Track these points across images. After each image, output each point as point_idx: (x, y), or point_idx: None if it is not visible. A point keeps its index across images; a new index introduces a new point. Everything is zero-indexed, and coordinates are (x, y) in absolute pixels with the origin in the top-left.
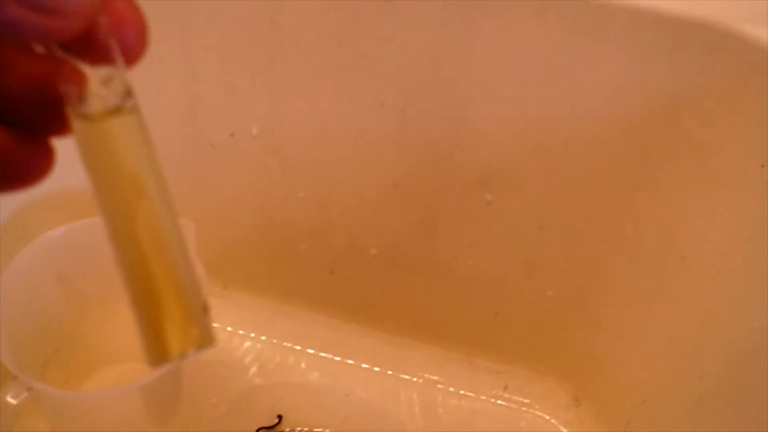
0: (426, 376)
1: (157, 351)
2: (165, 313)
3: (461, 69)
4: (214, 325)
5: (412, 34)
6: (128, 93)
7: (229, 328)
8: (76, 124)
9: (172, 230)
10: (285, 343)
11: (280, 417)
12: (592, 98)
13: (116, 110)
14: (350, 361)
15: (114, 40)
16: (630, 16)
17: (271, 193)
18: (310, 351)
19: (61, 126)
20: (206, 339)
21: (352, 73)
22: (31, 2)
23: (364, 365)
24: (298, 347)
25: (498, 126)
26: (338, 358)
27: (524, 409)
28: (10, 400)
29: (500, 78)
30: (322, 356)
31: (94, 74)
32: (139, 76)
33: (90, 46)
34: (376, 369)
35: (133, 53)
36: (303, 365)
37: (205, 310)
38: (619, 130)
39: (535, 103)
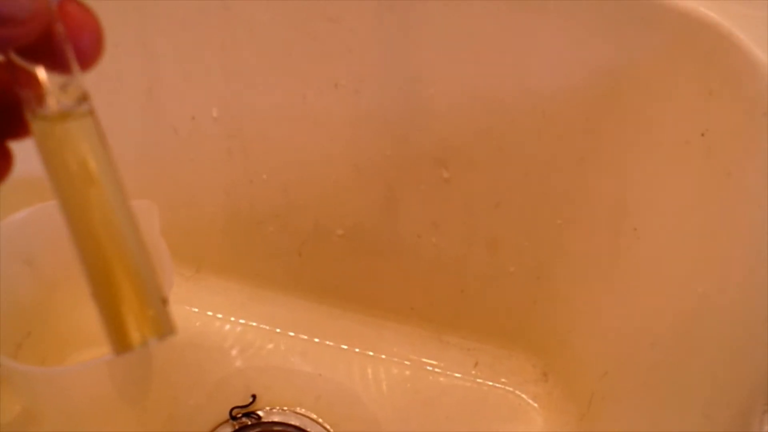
0: (397, 354)
1: (118, 339)
2: (123, 302)
3: (409, 49)
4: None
5: (359, 14)
6: (84, 97)
7: (200, 311)
8: (34, 126)
9: (126, 222)
10: (258, 325)
11: (254, 397)
12: (536, 75)
13: (72, 113)
14: (322, 342)
15: (69, 47)
16: None
17: (235, 176)
18: (282, 332)
19: (18, 130)
20: (165, 327)
21: (305, 55)
22: None
23: (335, 345)
24: (271, 329)
25: (448, 104)
26: (310, 339)
27: (494, 384)
28: None
29: (447, 57)
30: (294, 337)
31: (51, 80)
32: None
33: (46, 51)
34: (348, 348)
35: (89, 58)
36: (276, 346)
37: (163, 300)
38: (564, 106)
39: (482, 81)
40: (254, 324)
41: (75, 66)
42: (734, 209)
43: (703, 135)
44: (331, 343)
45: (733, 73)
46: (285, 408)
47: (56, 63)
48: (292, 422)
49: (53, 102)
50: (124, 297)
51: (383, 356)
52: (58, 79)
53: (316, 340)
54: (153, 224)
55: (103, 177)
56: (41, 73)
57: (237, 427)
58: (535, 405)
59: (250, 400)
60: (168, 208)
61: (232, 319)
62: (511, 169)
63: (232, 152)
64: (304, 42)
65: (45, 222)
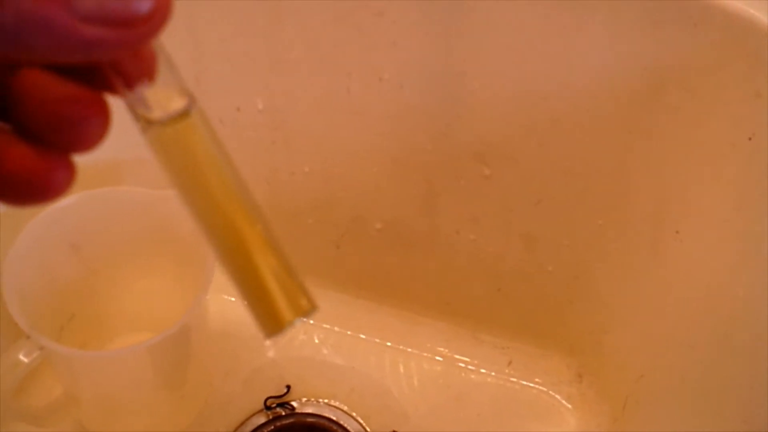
0: (432, 350)
1: (271, 324)
2: (271, 285)
3: (454, 44)
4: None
5: (406, 9)
6: (188, 94)
7: (240, 301)
8: (149, 134)
9: (255, 207)
10: None
11: (288, 387)
12: (580, 73)
13: (183, 114)
14: (357, 335)
15: (162, 47)
16: None
17: (277, 167)
18: (318, 324)
19: (82, 143)
20: (311, 304)
21: (350, 48)
22: (101, 18)
23: (369, 338)
24: (306, 320)
25: (491, 100)
26: (345, 332)
27: (528, 383)
28: (22, 358)
29: (491, 53)
30: (329, 329)
31: (159, 85)
32: None
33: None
34: (382, 342)
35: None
36: (311, 338)
37: (301, 282)
38: (607, 105)
39: (525, 77)
40: None
41: (171, 63)
42: None
43: (750, 139)
44: (366, 337)
45: None
46: (318, 399)
47: (136, 64)
48: (325, 414)
49: (162, 107)
50: (271, 280)
51: (416, 351)
52: (164, 82)
53: (351, 333)
54: None
55: (225, 168)
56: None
57: (271, 417)
58: (569, 406)
59: (285, 390)
60: None
61: None
62: (553, 166)
63: (276, 143)
64: (349, 35)
65: (90, 208)
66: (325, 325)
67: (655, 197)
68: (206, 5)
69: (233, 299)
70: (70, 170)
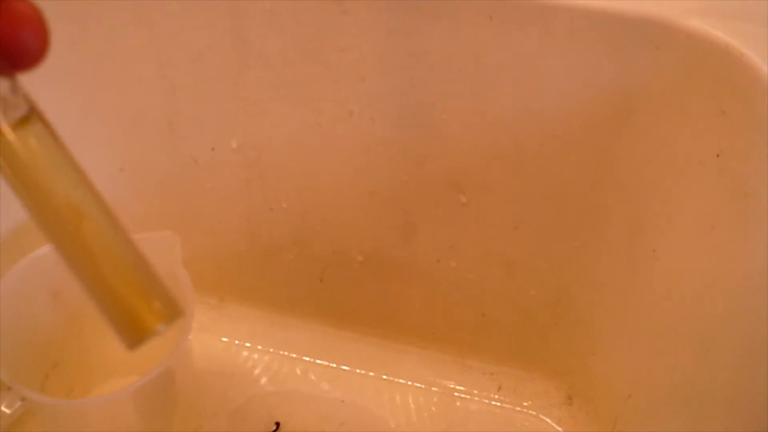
0: (419, 379)
1: (130, 334)
2: (128, 298)
3: (420, 75)
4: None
5: (370, 43)
6: (28, 102)
7: (225, 339)
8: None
9: (111, 223)
10: (281, 352)
11: (277, 424)
12: (547, 98)
13: (20, 122)
14: (345, 368)
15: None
16: (575, 16)
17: (255, 204)
18: (306, 359)
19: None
20: (173, 311)
21: (319, 84)
22: None
23: (358, 371)
24: (294, 355)
25: (462, 130)
26: (333, 365)
27: (518, 408)
28: (4, 409)
29: (458, 83)
30: (317, 363)
31: None
32: (119, 96)
33: None
34: (370, 374)
35: (32, 54)
36: (299, 373)
37: (164, 289)
38: (576, 128)
39: (493, 105)
40: (277, 351)
41: (13, 71)
42: (751, 228)
43: (718, 156)
44: (353, 369)
45: (745, 93)
46: None
47: None
48: None
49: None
50: (126, 288)
51: (405, 381)
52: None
53: (338, 366)
54: (175, 255)
55: (68, 177)
56: None
57: None
58: (560, 429)
59: (274, 427)
60: (189, 238)
61: (254, 346)
62: (528, 192)
63: (252, 181)
64: (317, 71)
65: None
66: (312, 359)
67: (630, 217)
68: (176, 47)
69: (219, 338)
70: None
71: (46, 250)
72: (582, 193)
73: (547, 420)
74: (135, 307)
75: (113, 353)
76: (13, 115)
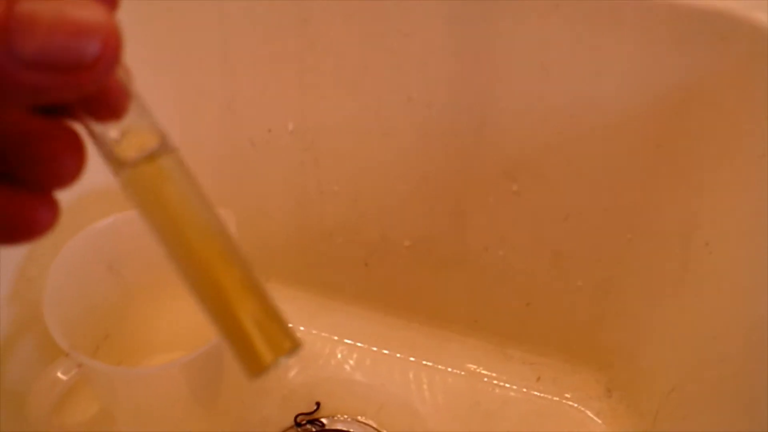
0: (460, 366)
1: (253, 365)
2: (250, 327)
3: (482, 63)
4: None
5: (433, 29)
6: (162, 136)
7: None
8: (121, 176)
9: (232, 249)
10: (323, 334)
11: (318, 404)
12: (607, 89)
13: (156, 155)
14: (385, 352)
15: (133, 85)
16: (641, 8)
17: (306, 187)
18: (348, 342)
19: (60, 179)
20: (294, 344)
21: (380, 69)
22: (44, 63)
23: (398, 355)
24: (336, 338)
25: (519, 118)
26: (374, 349)
27: (557, 399)
28: (61, 376)
29: (519, 71)
30: (358, 347)
31: (116, 128)
32: (180, 76)
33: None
34: (412, 359)
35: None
36: (340, 356)
37: (283, 320)
38: (635, 120)
39: (553, 95)
40: (320, 333)
41: (144, 105)
42: None
43: None
44: (395, 354)
45: None
46: (348, 417)
47: (110, 105)
48: (355, 430)
49: (133, 148)
50: (250, 322)
51: (446, 368)
52: (135, 123)
53: (380, 350)
54: (230, 231)
55: (199, 210)
56: (124, 120)
57: None
58: (599, 421)
59: (315, 407)
60: (241, 218)
61: (297, 327)
62: (581, 182)
63: (305, 164)
64: (379, 56)
65: (126, 230)
66: (354, 343)
67: (684, 210)
68: (239, 28)
69: None
70: (53, 208)
71: (103, 223)
72: (636, 185)
73: (586, 412)
74: (259, 343)
75: (162, 328)
76: (144, 149)
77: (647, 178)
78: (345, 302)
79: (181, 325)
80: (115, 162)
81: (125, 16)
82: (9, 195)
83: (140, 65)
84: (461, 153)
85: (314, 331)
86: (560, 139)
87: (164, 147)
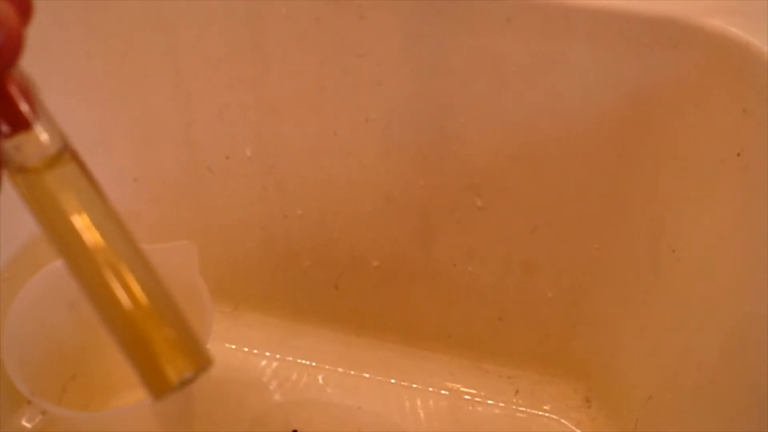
0: (437, 384)
1: (156, 384)
2: (153, 349)
3: (439, 80)
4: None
5: (388, 48)
6: (63, 141)
7: (241, 348)
8: (17, 180)
9: (135, 260)
10: (298, 360)
11: (295, 431)
12: (567, 99)
13: (57, 160)
14: (361, 374)
15: (33, 94)
16: (593, 17)
17: (270, 212)
18: (321, 366)
19: None
20: (202, 362)
21: (336, 90)
22: None
23: (374, 377)
24: (310, 363)
25: (480, 133)
26: (350, 372)
27: (536, 412)
28: (25, 424)
29: (476, 85)
30: (332, 370)
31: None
32: (135, 104)
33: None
34: (387, 380)
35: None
36: (316, 381)
37: (192, 336)
38: (596, 129)
39: (512, 108)
40: (293, 359)
41: (44, 110)
42: None
43: (739, 155)
44: (370, 375)
45: (766, 91)
46: None
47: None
48: None
49: (33, 151)
50: (153, 344)
51: (422, 387)
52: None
53: (355, 372)
54: (192, 264)
55: (100, 218)
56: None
57: None
58: (579, 431)
59: None
60: (204, 247)
61: (272, 354)
62: (546, 193)
63: (267, 188)
64: (334, 77)
65: None
66: (328, 366)
67: (650, 217)
68: (192, 55)
69: (234, 346)
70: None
71: (60, 262)
72: (601, 193)
73: (566, 423)
74: (162, 360)
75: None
76: (44, 153)
77: (612, 186)
78: (316, 325)
79: None
80: (14, 167)
81: (77, 45)
82: None
83: (95, 94)
84: (424, 170)
85: (288, 357)
86: (522, 151)
87: (64, 152)
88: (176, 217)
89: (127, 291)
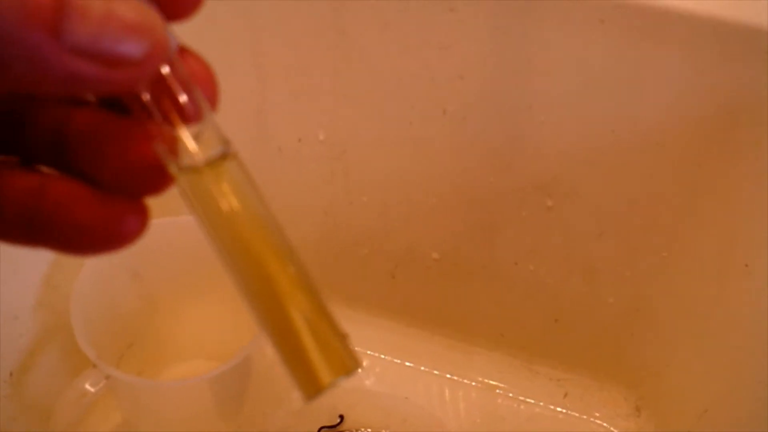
0: (485, 381)
1: (309, 385)
2: (310, 351)
3: (521, 77)
4: None
5: (473, 42)
6: (225, 141)
7: None
8: (181, 179)
9: (296, 262)
10: None
11: (341, 417)
12: (652, 105)
13: (218, 160)
14: (410, 365)
15: (197, 90)
16: (689, 24)
17: (335, 198)
18: (372, 354)
19: (154, 185)
20: (352, 363)
21: (415, 81)
22: (92, 53)
23: (423, 369)
24: (360, 350)
25: (558, 133)
26: (398, 361)
27: (584, 416)
28: (88, 387)
29: (560, 85)
30: (383, 359)
31: (183, 131)
32: None
33: (161, 96)
34: (436, 372)
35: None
36: (364, 368)
37: (344, 337)
38: (678, 137)
39: (595, 110)
40: None
41: (207, 109)
42: None
43: None
44: (419, 367)
45: None
46: (371, 430)
47: (172, 107)
48: None
49: (198, 151)
50: (311, 345)
51: (470, 382)
52: (192, 128)
53: (404, 362)
54: None
55: (263, 220)
56: (173, 124)
57: None
58: None
59: (338, 420)
60: None
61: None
62: (617, 198)
63: (335, 174)
64: (415, 68)
65: (152, 237)
66: (378, 355)
67: (723, 230)
68: (273, 36)
69: None
70: (143, 216)
71: None
72: (674, 202)
73: (613, 430)
74: (318, 359)
75: (184, 336)
76: (209, 154)
77: (687, 196)
78: (369, 313)
79: (203, 334)
80: (176, 166)
81: None
82: (99, 200)
83: None
84: (494, 166)
85: None
86: (599, 154)
87: (227, 151)
88: None
89: (291, 295)
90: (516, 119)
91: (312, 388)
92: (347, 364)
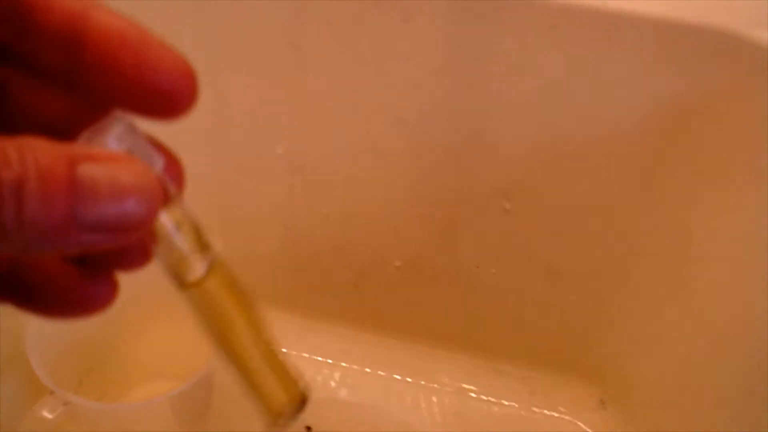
0: (452, 384)
1: (272, 416)
2: (270, 394)
3: (477, 84)
4: None
5: (428, 52)
6: (207, 245)
7: None
8: (185, 294)
9: (261, 339)
10: (312, 357)
11: (308, 429)
12: (605, 106)
13: (211, 268)
14: (377, 372)
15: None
16: (639, 26)
17: (295, 210)
18: (337, 364)
19: (128, 262)
20: (304, 394)
21: (372, 91)
22: (100, 227)
23: (389, 376)
24: (325, 360)
25: (514, 137)
26: (365, 370)
27: (551, 413)
28: (46, 414)
29: (515, 91)
30: (348, 368)
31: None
32: None
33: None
34: (402, 379)
35: (183, 98)
36: (330, 378)
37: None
38: (633, 136)
39: (550, 113)
40: (309, 355)
41: (199, 225)
42: None
43: None
44: (385, 374)
45: None
46: None
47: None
48: None
49: (196, 267)
50: (270, 390)
51: (438, 386)
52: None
53: (370, 370)
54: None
55: (244, 301)
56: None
57: None
58: None
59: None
60: (227, 240)
61: (286, 350)
62: (575, 199)
63: (294, 187)
64: (371, 79)
65: None
66: (344, 364)
67: (679, 225)
68: (228, 52)
69: None
70: (113, 287)
71: None
72: (631, 200)
73: (580, 424)
74: (278, 400)
75: (145, 358)
76: (205, 264)
77: (641, 193)
78: (334, 323)
79: (165, 355)
80: (179, 283)
81: None
82: (72, 272)
83: None
84: (454, 172)
85: (304, 354)
86: (555, 156)
87: (213, 259)
88: (201, 212)
89: (258, 356)
90: (473, 126)
91: (274, 419)
92: (297, 397)
